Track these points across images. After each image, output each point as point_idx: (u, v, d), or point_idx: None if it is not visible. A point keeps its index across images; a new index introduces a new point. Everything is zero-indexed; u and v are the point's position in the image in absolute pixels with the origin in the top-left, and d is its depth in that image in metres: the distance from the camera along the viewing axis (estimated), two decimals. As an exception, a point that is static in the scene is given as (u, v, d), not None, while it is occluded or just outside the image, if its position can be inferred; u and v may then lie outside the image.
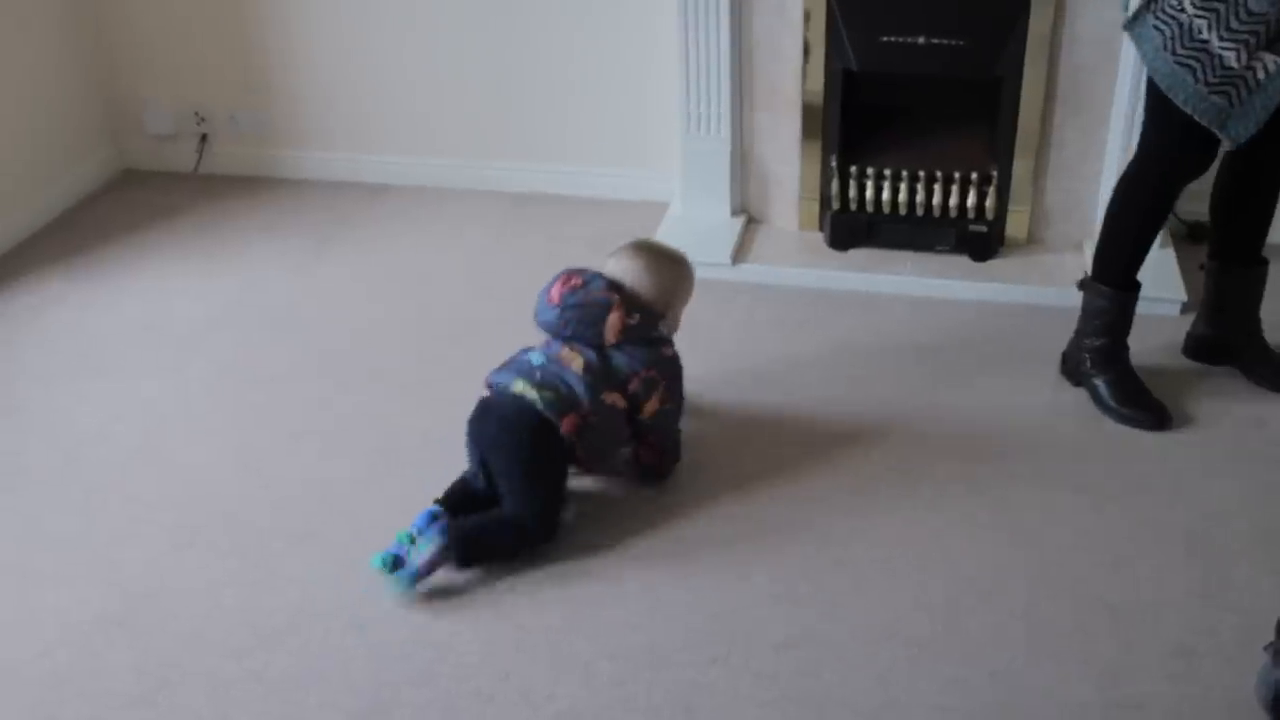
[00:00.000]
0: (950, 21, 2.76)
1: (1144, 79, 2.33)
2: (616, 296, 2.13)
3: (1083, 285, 2.46)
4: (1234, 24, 2.02)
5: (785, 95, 2.96)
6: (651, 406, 2.14)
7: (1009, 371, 2.57)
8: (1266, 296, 2.52)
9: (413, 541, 1.99)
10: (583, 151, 3.31)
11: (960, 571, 2.07)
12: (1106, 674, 1.87)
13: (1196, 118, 2.12)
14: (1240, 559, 2.09)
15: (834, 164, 2.98)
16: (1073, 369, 2.50)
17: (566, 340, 2.13)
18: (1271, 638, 1.69)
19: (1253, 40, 2.03)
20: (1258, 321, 2.53)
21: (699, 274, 2.35)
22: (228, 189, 3.46)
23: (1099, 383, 2.43)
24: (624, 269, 2.20)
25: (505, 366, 2.14)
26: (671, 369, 2.18)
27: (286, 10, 3.29)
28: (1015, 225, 3.00)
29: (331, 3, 3.26)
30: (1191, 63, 2.08)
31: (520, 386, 2.08)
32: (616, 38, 3.16)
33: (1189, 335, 2.60)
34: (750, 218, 3.13)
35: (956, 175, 2.94)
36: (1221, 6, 2.02)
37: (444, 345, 2.70)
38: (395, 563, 1.98)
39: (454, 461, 2.21)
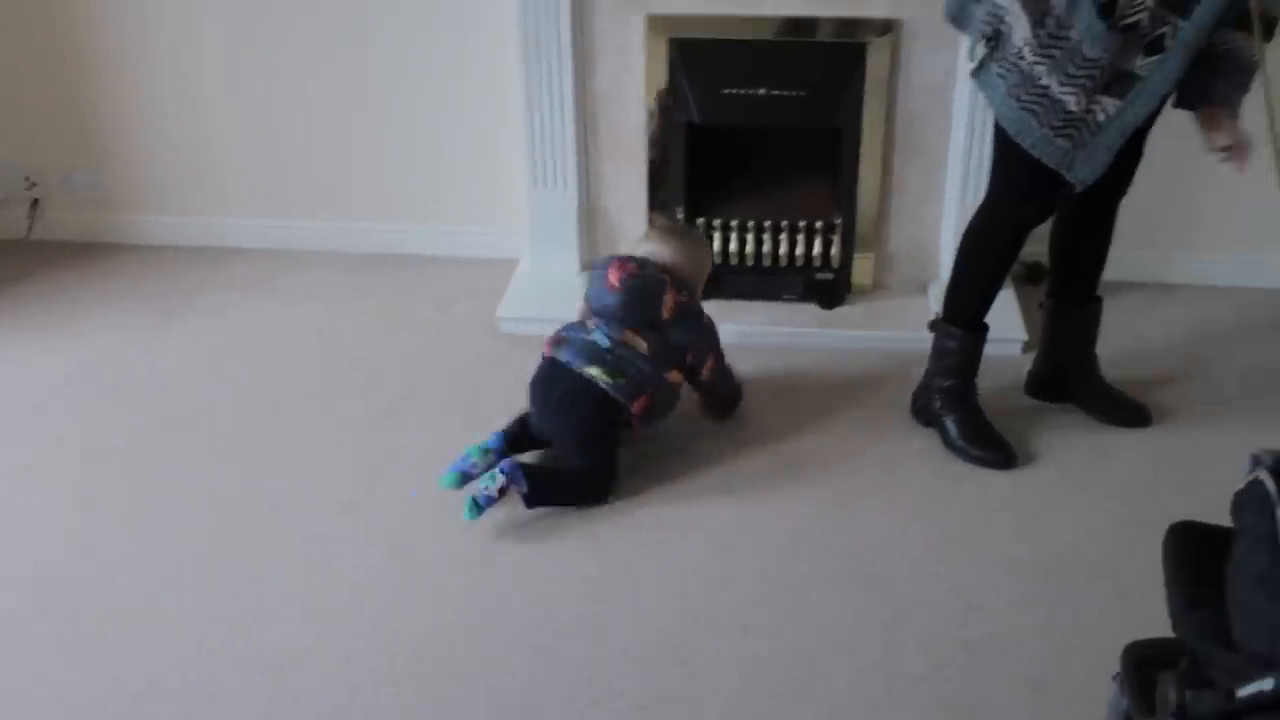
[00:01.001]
0: (789, 73, 2.78)
1: (983, 122, 2.47)
2: (667, 277, 2.27)
3: (933, 327, 2.46)
4: (1071, 70, 2.05)
5: (630, 147, 2.95)
6: (708, 370, 2.31)
7: (859, 415, 2.59)
8: (1101, 333, 2.56)
9: (486, 454, 2.18)
10: (430, 209, 3.27)
11: (815, 620, 2.07)
12: (963, 714, 1.88)
13: (1044, 160, 2.15)
14: (1089, 591, 2.12)
15: (680, 216, 2.99)
16: (922, 409, 2.52)
17: (621, 321, 2.23)
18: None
19: (1089, 84, 2.06)
20: (1094, 358, 2.56)
21: (545, 328, 2.41)
22: (63, 256, 3.35)
23: (949, 422, 2.45)
24: (660, 249, 2.34)
25: (566, 344, 2.23)
26: (713, 334, 2.35)
27: (121, 67, 3.20)
28: (861, 272, 3.01)
29: (169, 58, 3.18)
30: (1034, 107, 2.10)
31: (595, 371, 2.18)
32: (463, 92, 3.12)
33: (1030, 373, 2.63)
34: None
35: (802, 224, 2.96)
36: (1058, 53, 2.04)
37: (291, 414, 2.66)
38: (463, 479, 2.14)
39: (311, 532, 2.19)
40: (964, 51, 2.38)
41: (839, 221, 2.94)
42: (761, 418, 2.57)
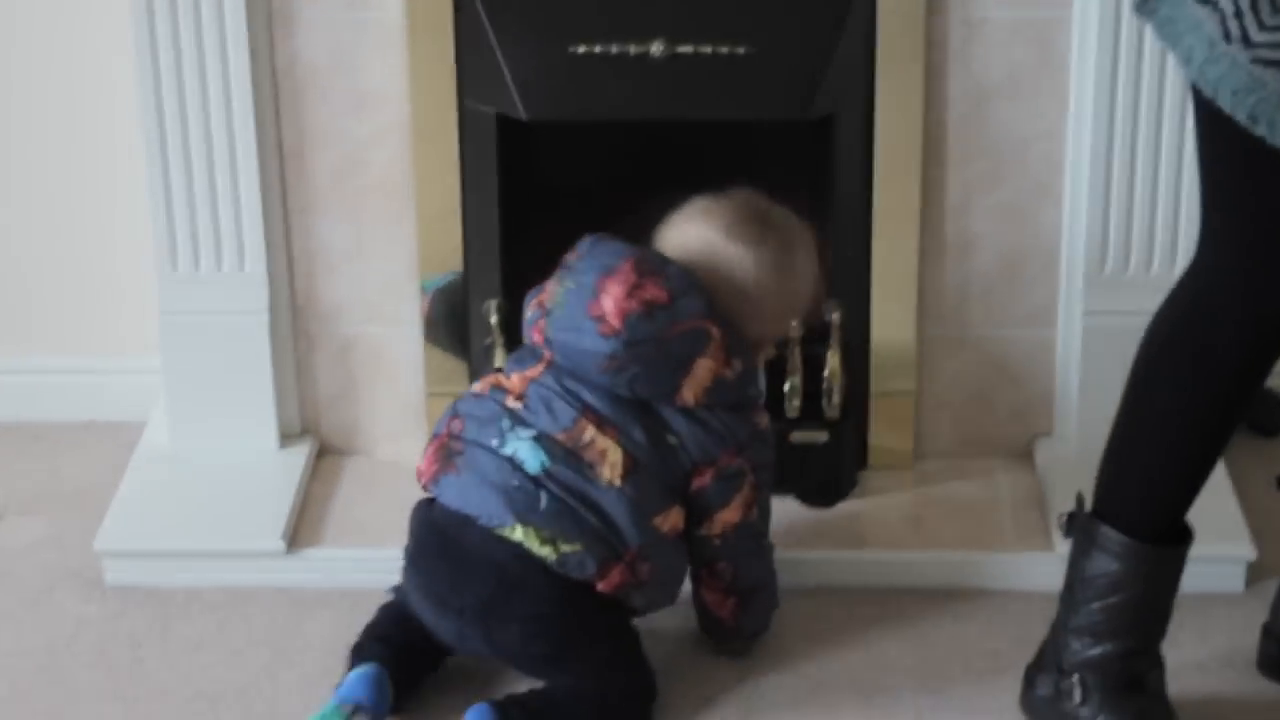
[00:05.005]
0: (718, 7, 2.40)
1: (1158, 101, 2.33)
2: (716, 328, 2.11)
3: (1070, 529, 2.14)
4: None
5: (380, 179, 2.51)
6: (728, 516, 2.14)
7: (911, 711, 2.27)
8: None
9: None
10: None
11: None
12: None
13: None
14: None
15: (494, 315, 2.55)
16: (1048, 701, 2.19)
17: (602, 393, 2.12)
18: None
19: None
20: None
21: (206, 572, 2.35)
22: None
23: (1099, 730, 2.34)
24: (716, 252, 2.15)
25: (462, 462, 2.13)
26: (764, 452, 2.18)
27: None
28: (887, 425, 2.58)
29: None
30: None
31: (520, 533, 2.08)
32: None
33: (1268, 631, 2.27)
34: (322, 445, 2.69)
35: None
36: None
37: None
38: None
39: None
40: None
41: (835, 317, 2.49)
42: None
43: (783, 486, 2.43)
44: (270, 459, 2.62)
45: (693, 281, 2.15)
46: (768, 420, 2.23)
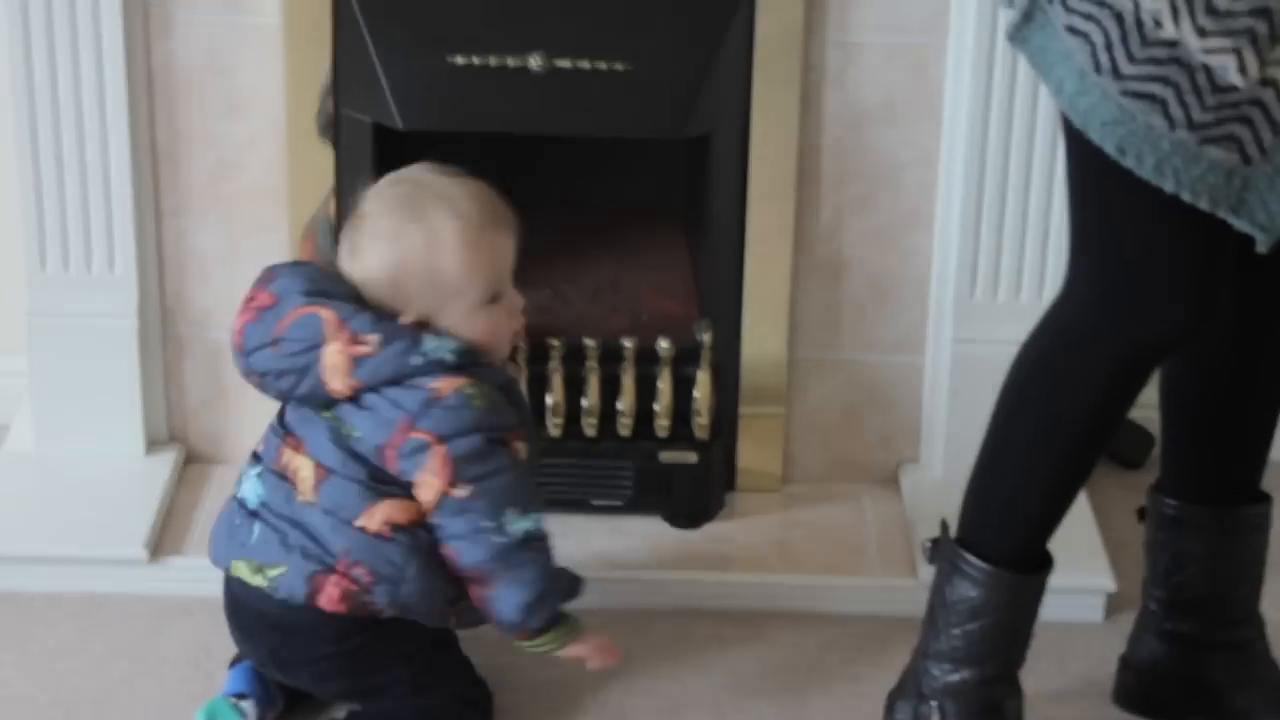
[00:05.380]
0: (594, 24, 2.42)
1: (1029, 125, 2.36)
2: (330, 310, 2.06)
3: (936, 553, 2.17)
4: (1221, 3, 1.90)
5: (254, 184, 2.51)
6: (424, 495, 2.07)
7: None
8: (1271, 567, 2.31)
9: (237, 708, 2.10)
10: None
11: None
12: None
13: (1183, 196, 1.93)
14: None
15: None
16: None
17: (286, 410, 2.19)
18: None
19: (1261, 30, 1.90)
20: (1257, 617, 2.24)
21: (68, 578, 2.33)
22: None
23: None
24: (357, 239, 2.12)
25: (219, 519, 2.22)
26: (449, 420, 2.06)
27: None
28: (756, 448, 2.58)
29: None
30: (1155, 87, 1.91)
31: (238, 568, 2.10)
32: None
33: (1125, 662, 2.30)
34: (189, 452, 2.68)
35: (627, 347, 2.49)
36: None
37: None
38: None
39: None
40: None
41: (704, 337, 2.50)
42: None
43: (650, 507, 2.50)
44: (136, 465, 2.60)
45: (290, 272, 2.17)
46: (459, 385, 2.14)
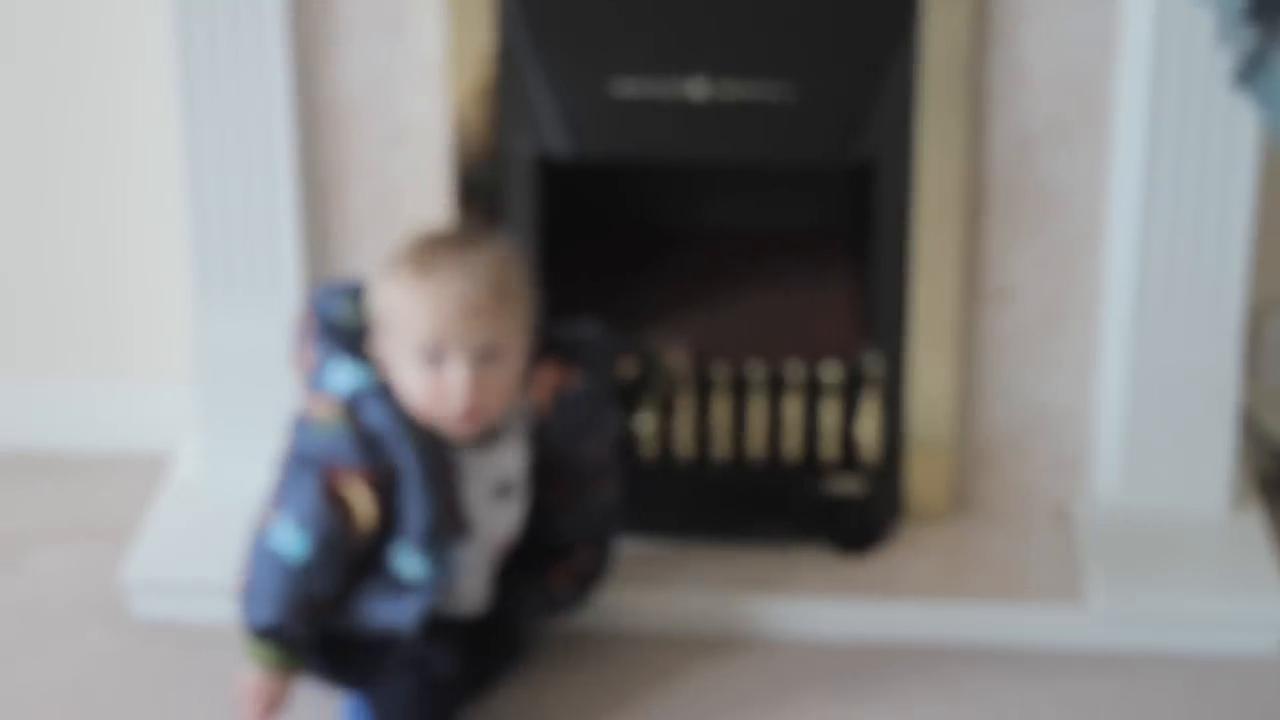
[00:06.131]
0: (757, 51, 2.38)
1: (1225, 152, 2.30)
2: (311, 332, 2.21)
3: None
4: None
5: (416, 212, 2.50)
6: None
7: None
8: None
9: None
10: (7, 358, 2.86)
11: None
12: None
13: None
14: None
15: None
16: None
17: None
18: None
19: None
20: None
21: (233, 606, 2.20)
22: None
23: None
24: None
25: None
26: (293, 432, 2.19)
27: None
28: (924, 475, 2.55)
29: None
30: None
31: None
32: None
33: None
34: None
35: (790, 377, 2.48)
36: None
37: None
38: None
39: None
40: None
41: (872, 371, 2.50)
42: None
43: (816, 535, 2.50)
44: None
45: (304, 314, 2.25)
46: (313, 407, 2.21)
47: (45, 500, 2.72)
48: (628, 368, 2.30)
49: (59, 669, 2.39)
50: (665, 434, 2.56)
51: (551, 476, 2.25)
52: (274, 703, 2.04)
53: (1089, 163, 2.45)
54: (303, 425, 2.13)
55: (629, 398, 2.46)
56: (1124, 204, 2.45)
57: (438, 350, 2.09)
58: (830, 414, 2.50)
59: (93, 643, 2.43)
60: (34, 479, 2.79)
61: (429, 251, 2.18)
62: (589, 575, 2.30)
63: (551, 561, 2.28)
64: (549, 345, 2.23)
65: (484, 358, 2.10)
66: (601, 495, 2.28)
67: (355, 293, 2.21)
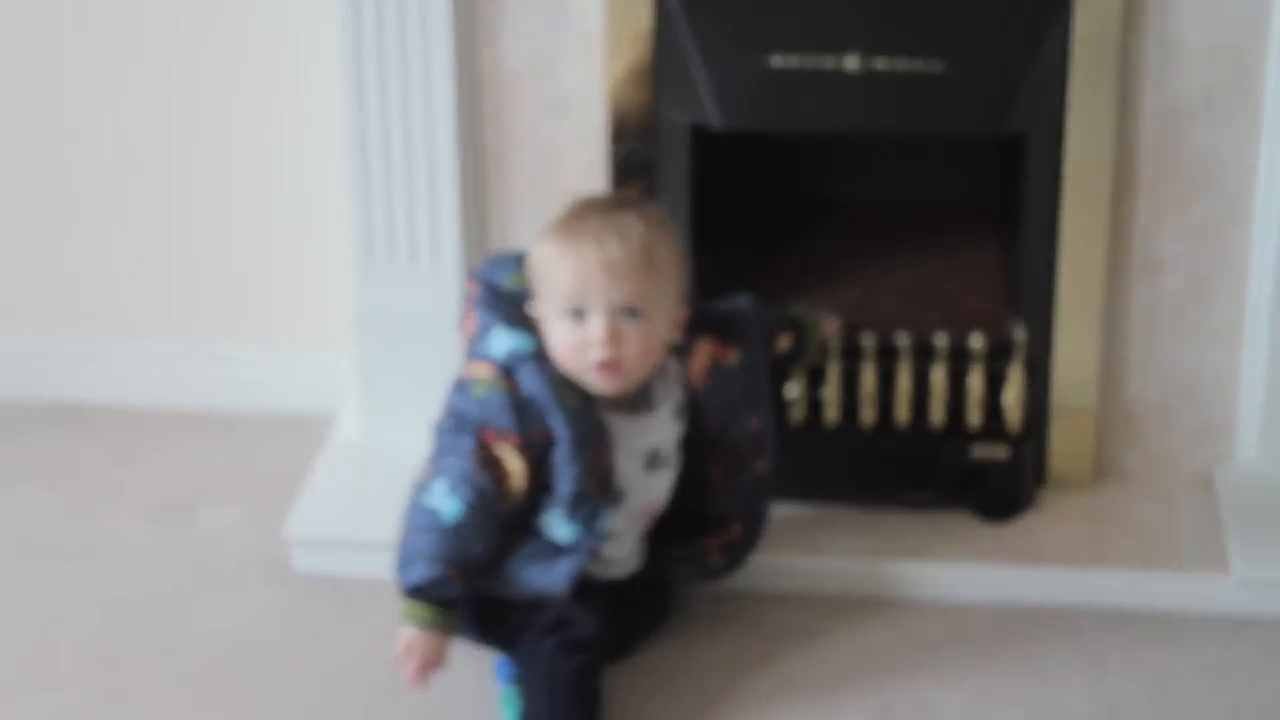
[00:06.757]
0: (909, 26, 2.39)
1: None
2: (475, 293, 2.24)
3: None
4: None
5: (576, 183, 2.50)
6: None
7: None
8: None
9: None
10: (179, 323, 2.90)
11: None
12: None
13: None
14: None
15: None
16: None
17: None
18: None
19: None
20: None
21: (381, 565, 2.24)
22: None
23: None
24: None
25: None
26: (451, 398, 2.15)
27: None
28: (1067, 443, 2.55)
29: None
30: None
31: None
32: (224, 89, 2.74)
33: None
34: None
35: (936, 346, 2.48)
36: None
37: None
38: None
39: None
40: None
41: (1019, 337, 2.50)
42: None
43: (960, 501, 2.52)
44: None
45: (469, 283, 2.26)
46: (471, 371, 2.21)
47: (215, 459, 2.78)
48: (782, 342, 2.29)
49: (224, 620, 2.44)
50: (813, 401, 2.55)
51: (706, 453, 2.24)
52: (430, 660, 2.05)
53: (1239, 137, 2.44)
54: (460, 388, 2.16)
55: (781, 369, 2.46)
56: (1273, 178, 2.45)
57: (580, 305, 2.09)
58: (976, 382, 2.50)
59: (256, 596, 2.49)
60: (205, 439, 2.85)
61: (579, 214, 2.20)
62: (741, 546, 2.31)
63: (704, 531, 2.28)
64: (704, 320, 2.21)
65: (625, 315, 2.10)
66: (755, 471, 2.27)
67: (518, 262, 2.24)
